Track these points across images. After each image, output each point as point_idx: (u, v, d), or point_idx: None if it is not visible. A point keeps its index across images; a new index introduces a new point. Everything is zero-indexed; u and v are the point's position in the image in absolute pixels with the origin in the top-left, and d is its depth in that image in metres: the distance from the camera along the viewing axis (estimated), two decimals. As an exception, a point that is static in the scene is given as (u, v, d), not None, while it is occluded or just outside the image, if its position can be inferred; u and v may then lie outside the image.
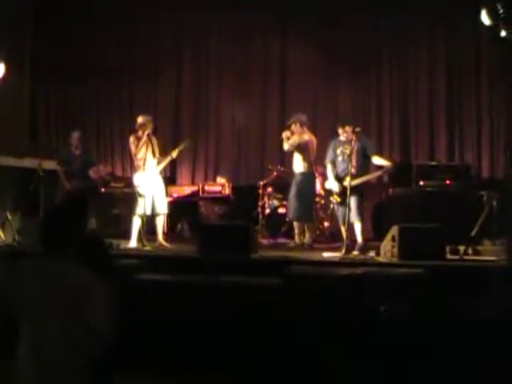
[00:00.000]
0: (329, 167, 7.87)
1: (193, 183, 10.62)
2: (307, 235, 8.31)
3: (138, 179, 7.94)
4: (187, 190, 10.13)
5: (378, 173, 7.88)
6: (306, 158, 8.28)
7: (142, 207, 7.82)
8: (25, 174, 9.21)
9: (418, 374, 3.96)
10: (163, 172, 8.53)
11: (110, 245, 6.46)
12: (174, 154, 8.16)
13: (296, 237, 8.32)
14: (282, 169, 9.32)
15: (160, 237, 8.09)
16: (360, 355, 4.25)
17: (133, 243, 7.89)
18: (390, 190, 8.82)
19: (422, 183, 8.52)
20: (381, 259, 6.85)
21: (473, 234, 6.91)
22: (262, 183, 9.38)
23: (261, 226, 9.11)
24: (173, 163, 9.70)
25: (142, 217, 7.85)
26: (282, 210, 9.36)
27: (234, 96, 10.78)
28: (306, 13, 10.36)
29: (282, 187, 9.32)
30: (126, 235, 8.02)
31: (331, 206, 8.63)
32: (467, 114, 9.90)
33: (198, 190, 9.93)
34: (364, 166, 7.67)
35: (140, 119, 8.12)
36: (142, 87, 11.03)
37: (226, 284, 4.95)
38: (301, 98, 10.39)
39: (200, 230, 7.33)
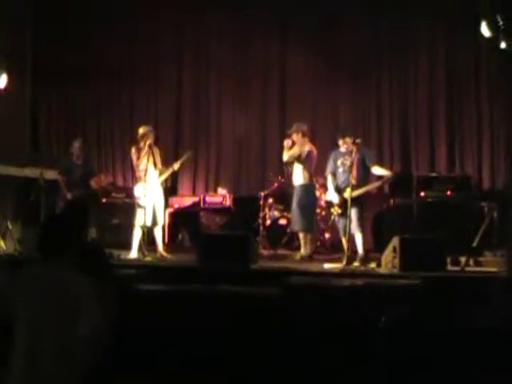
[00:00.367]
0: (329, 178, 7.87)
1: (194, 194, 10.62)
2: (308, 246, 8.29)
3: (139, 190, 7.95)
4: (188, 200, 10.14)
5: (378, 183, 7.88)
6: (306, 169, 8.26)
7: (143, 218, 7.82)
8: (26, 183, 9.24)
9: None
10: (164, 183, 8.54)
11: (111, 255, 6.46)
12: (176, 165, 8.18)
13: (302, 249, 8.27)
14: (282, 180, 9.31)
15: (160, 247, 8.10)
16: (359, 365, 4.24)
17: (133, 254, 7.89)
18: (391, 201, 8.82)
19: (422, 194, 8.52)
20: (382, 270, 6.84)
21: (474, 244, 6.90)
22: (262, 194, 9.37)
23: (261, 237, 9.10)
24: (174, 174, 9.68)
25: (143, 228, 7.86)
26: (282, 221, 9.34)
27: (234, 105, 10.80)
28: (306, 19, 10.40)
29: (282, 198, 9.32)
30: (126, 245, 8.02)
31: (332, 217, 8.62)
32: (467, 125, 9.91)
33: (199, 201, 9.93)
34: (364, 176, 7.67)
35: (141, 130, 8.15)
36: (143, 96, 11.05)
37: (224, 293, 4.95)
38: (301, 107, 10.39)
39: (200, 240, 7.33)
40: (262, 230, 9.17)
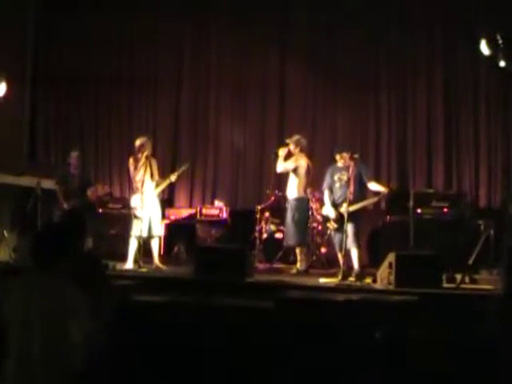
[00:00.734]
0: (326, 193, 7.90)
1: (190, 206, 10.62)
2: (304, 261, 8.29)
3: (136, 201, 7.98)
4: (185, 212, 10.15)
5: (375, 199, 7.92)
6: (301, 183, 8.26)
7: (139, 229, 7.85)
8: (23, 192, 9.24)
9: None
10: (161, 194, 8.57)
11: (106, 265, 6.46)
12: (173, 177, 8.21)
13: (298, 263, 8.25)
14: (279, 193, 9.32)
15: (156, 259, 8.11)
16: (355, 379, 4.26)
17: (129, 265, 7.90)
18: (387, 217, 8.84)
19: (419, 210, 8.54)
20: (377, 286, 6.86)
21: (470, 262, 6.92)
22: (259, 207, 9.38)
23: (257, 251, 9.10)
24: (171, 185, 9.71)
25: (139, 238, 7.88)
26: (278, 235, 9.35)
27: (232, 118, 10.83)
28: (305, 34, 10.48)
29: (279, 212, 9.31)
30: (122, 256, 8.03)
31: (328, 231, 8.63)
32: (465, 142, 9.93)
33: (196, 213, 9.93)
34: (361, 192, 7.71)
35: (138, 141, 8.19)
36: (142, 107, 11.09)
37: (219, 306, 4.96)
38: (299, 121, 10.41)
39: (196, 253, 7.34)
40: (258, 244, 9.18)
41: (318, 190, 8.77)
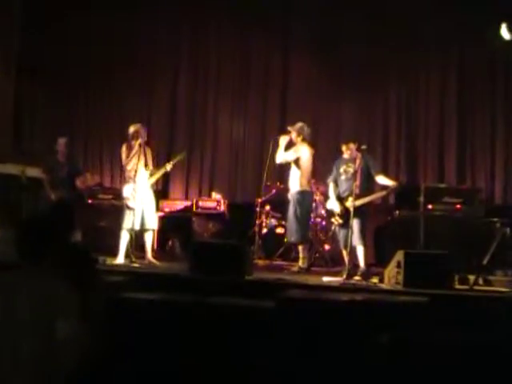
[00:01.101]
0: (331, 186, 7.88)
1: (186, 198, 10.63)
2: (304, 258, 8.26)
3: (128, 191, 7.94)
4: (180, 204, 10.14)
5: (383, 193, 7.90)
6: (303, 175, 8.14)
7: (131, 221, 7.82)
8: (6, 180, 9.20)
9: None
10: (155, 185, 8.54)
11: (96, 260, 6.45)
12: (169, 166, 8.17)
13: (300, 260, 8.18)
14: (281, 186, 9.30)
15: (149, 254, 8.08)
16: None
17: (120, 259, 7.87)
18: (396, 213, 8.81)
19: (429, 206, 8.51)
20: (384, 286, 6.84)
21: (484, 262, 6.90)
22: (259, 200, 9.32)
23: (257, 246, 9.05)
24: (165, 176, 9.70)
25: (131, 231, 7.86)
26: (280, 230, 9.35)
27: (232, 108, 10.84)
28: (309, 27, 10.47)
29: (281, 205, 9.29)
30: (113, 250, 8.01)
31: (332, 227, 8.62)
32: (480, 135, 9.92)
33: (192, 206, 9.93)
34: (368, 185, 7.69)
35: (132, 128, 8.14)
36: (135, 92, 11.08)
37: (217, 305, 4.94)
38: (302, 112, 10.32)
39: (192, 248, 7.32)
40: (257, 239, 9.13)
41: (321, 182, 8.76)
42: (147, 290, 5.59)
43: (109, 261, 7.74)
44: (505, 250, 7.30)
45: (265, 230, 9.37)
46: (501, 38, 7.70)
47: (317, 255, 9.01)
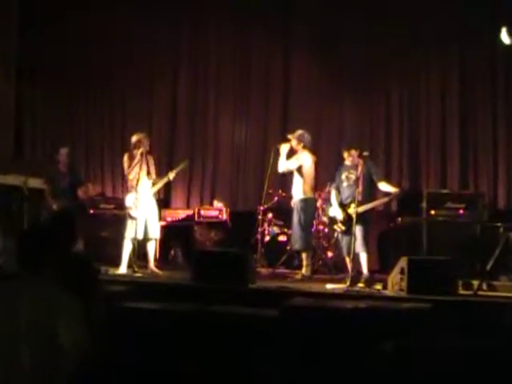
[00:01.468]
0: (333, 193, 7.88)
1: (188, 207, 10.62)
2: (308, 266, 8.24)
3: (130, 200, 7.95)
4: (182, 213, 10.14)
5: (385, 199, 7.89)
6: (306, 182, 8.16)
7: (134, 231, 7.82)
8: (8, 191, 9.21)
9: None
10: (156, 194, 8.55)
11: (98, 270, 6.44)
12: (171, 175, 8.19)
13: (304, 268, 8.18)
14: (283, 193, 9.29)
15: (151, 263, 8.09)
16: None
17: (123, 269, 7.88)
18: (398, 219, 8.81)
19: (432, 212, 8.50)
20: (388, 292, 6.83)
21: (488, 267, 6.89)
22: (261, 208, 9.31)
23: (259, 255, 9.05)
24: (167, 185, 9.68)
25: (133, 241, 7.85)
26: (282, 238, 9.34)
27: (233, 113, 10.84)
28: (309, 27, 10.48)
29: (283, 213, 9.29)
30: (115, 260, 8.01)
31: (335, 234, 8.61)
32: (482, 139, 9.88)
33: (194, 215, 9.93)
34: (370, 192, 7.68)
35: (135, 137, 8.16)
36: (136, 101, 11.10)
37: (220, 315, 4.94)
38: (304, 119, 10.34)
39: (194, 257, 7.32)
40: (260, 247, 9.13)
41: (323, 189, 8.76)
42: (150, 299, 5.59)
43: (111, 271, 7.75)
44: (509, 254, 7.27)
45: (267, 238, 9.36)
46: (501, 42, 7.69)
47: (320, 262, 9.00)
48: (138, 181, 7.93)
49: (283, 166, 8.27)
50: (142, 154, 8.01)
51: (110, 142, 11.08)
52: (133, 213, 7.87)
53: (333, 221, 8.03)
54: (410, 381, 3.79)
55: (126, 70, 11.04)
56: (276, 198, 9.41)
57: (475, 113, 9.98)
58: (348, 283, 7.06)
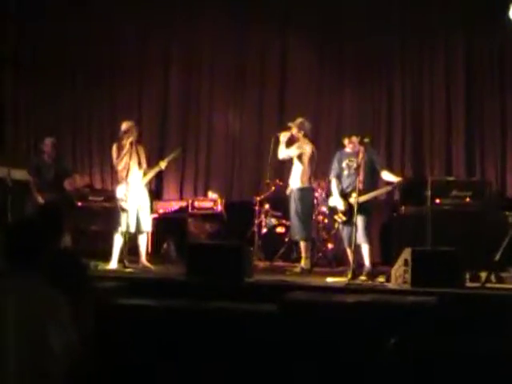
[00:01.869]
0: (333, 182, 7.87)
1: (181, 198, 10.61)
2: (307, 258, 8.25)
3: (121, 192, 7.93)
4: (175, 205, 10.14)
5: (388, 188, 7.90)
6: (305, 172, 8.17)
7: (125, 224, 7.80)
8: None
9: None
10: (148, 185, 8.54)
11: (87, 265, 6.45)
12: (163, 164, 8.18)
13: (303, 260, 8.18)
14: (280, 183, 9.28)
15: (143, 257, 8.09)
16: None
17: (113, 264, 7.88)
18: (402, 208, 8.82)
19: (437, 201, 8.50)
20: (391, 285, 6.84)
21: (496, 258, 6.90)
22: (258, 199, 9.30)
23: (256, 247, 9.05)
24: (159, 175, 9.67)
25: (125, 234, 7.84)
26: (280, 230, 9.34)
27: (227, 99, 10.80)
28: (309, 12, 10.44)
29: (280, 204, 9.29)
30: (105, 255, 8.00)
31: (335, 225, 8.61)
32: (489, 125, 9.88)
33: (187, 206, 9.92)
34: (372, 180, 7.69)
35: (124, 125, 8.14)
36: (125, 88, 11.03)
37: (216, 311, 4.95)
38: (301, 108, 10.21)
39: (188, 251, 7.33)
40: (256, 239, 9.12)
41: (323, 178, 8.75)
42: (142, 295, 5.60)
43: (101, 266, 7.75)
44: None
45: (264, 230, 9.36)
46: (509, 20, 7.67)
47: (320, 255, 9.00)
48: (128, 171, 7.92)
49: (284, 153, 8.29)
50: (131, 144, 7.99)
51: (99, 130, 11.03)
52: (124, 205, 7.85)
53: (333, 211, 8.03)
54: (414, 377, 3.81)
55: (116, 55, 10.99)
56: (273, 188, 9.39)
57: (481, 98, 9.96)
58: (349, 276, 7.07)
